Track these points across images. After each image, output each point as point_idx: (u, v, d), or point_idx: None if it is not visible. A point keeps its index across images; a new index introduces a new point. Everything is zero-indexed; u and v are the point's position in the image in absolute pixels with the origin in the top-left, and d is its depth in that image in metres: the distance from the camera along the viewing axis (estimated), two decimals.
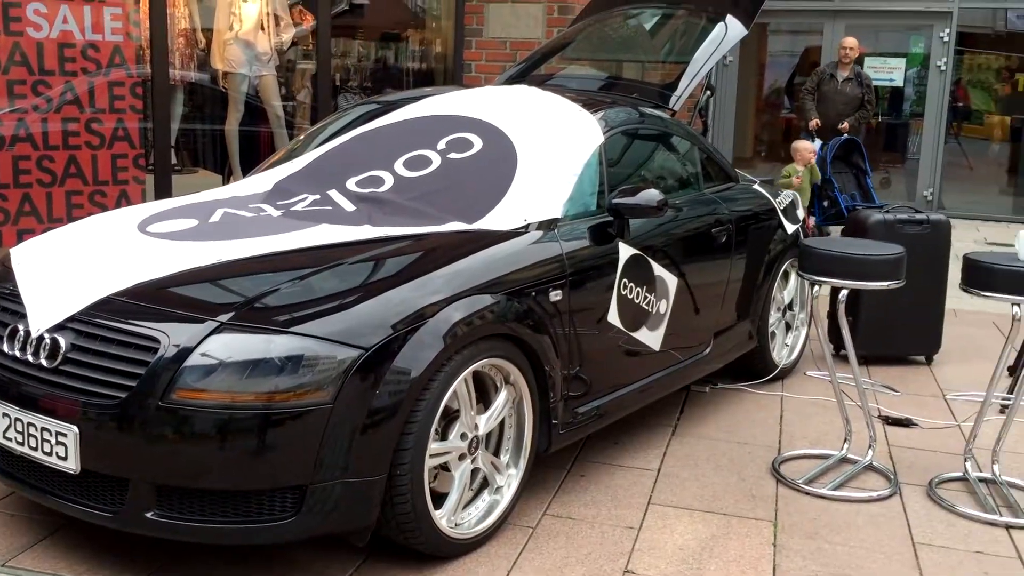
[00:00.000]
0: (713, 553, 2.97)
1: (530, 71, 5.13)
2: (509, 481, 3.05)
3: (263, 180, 3.67)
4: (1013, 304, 3.28)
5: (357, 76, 8.49)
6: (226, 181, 6.31)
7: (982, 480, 3.51)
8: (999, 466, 3.52)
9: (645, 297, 3.57)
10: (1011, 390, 4.29)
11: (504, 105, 3.86)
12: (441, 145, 3.58)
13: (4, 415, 2.67)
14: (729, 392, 4.49)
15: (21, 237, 4.47)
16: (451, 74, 7.53)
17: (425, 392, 2.66)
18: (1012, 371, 4.55)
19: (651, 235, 3.66)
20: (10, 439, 2.67)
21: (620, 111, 4.00)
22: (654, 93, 4.55)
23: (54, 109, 4.74)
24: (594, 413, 3.40)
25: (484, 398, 2.97)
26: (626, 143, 3.98)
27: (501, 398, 2.99)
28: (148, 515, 2.52)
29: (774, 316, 4.63)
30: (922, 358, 5.11)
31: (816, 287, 3.56)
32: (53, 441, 2.58)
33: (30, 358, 2.66)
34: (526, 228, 3.25)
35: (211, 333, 2.53)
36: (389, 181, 3.44)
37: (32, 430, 2.61)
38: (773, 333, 4.64)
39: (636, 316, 3.54)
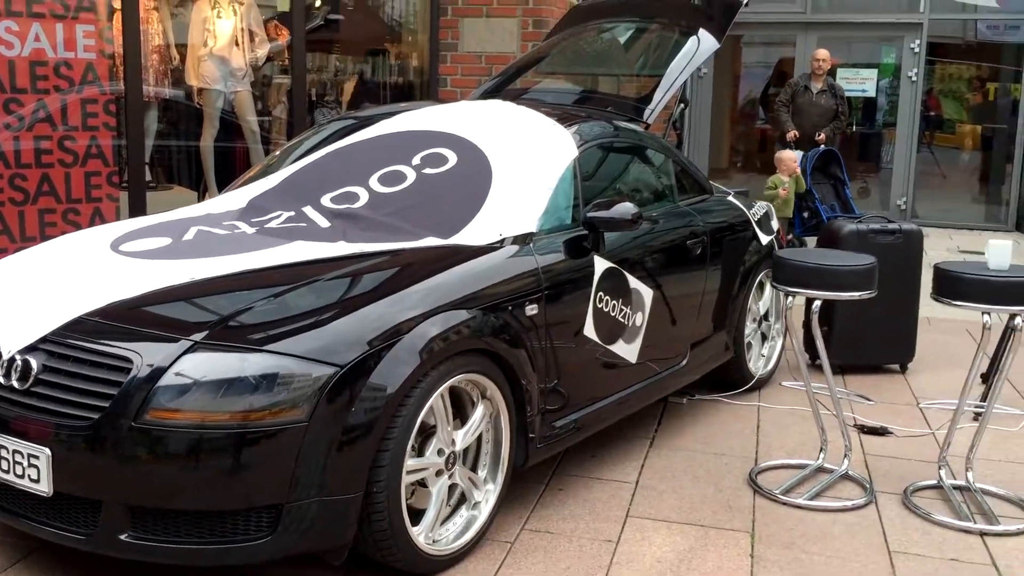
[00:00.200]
0: (691, 565, 2.98)
1: (505, 85, 5.15)
2: (487, 496, 3.05)
3: (237, 197, 3.66)
4: (983, 313, 3.31)
5: (334, 91, 8.49)
6: (202, 197, 6.28)
7: (956, 488, 3.54)
8: (973, 473, 3.55)
9: (621, 310, 3.59)
10: (984, 397, 4.34)
11: (478, 120, 3.87)
12: (416, 160, 3.58)
13: None
14: (706, 403, 4.51)
15: None
16: (427, 88, 7.55)
17: (401, 408, 2.66)
18: (985, 378, 4.60)
19: (626, 248, 3.68)
20: None
21: (594, 125, 4.02)
22: (628, 107, 4.58)
23: (26, 127, 4.70)
24: (572, 426, 3.41)
25: (461, 413, 2.97)
26: (601, 157, 4.00)
27: (478, 413, 2.99)
28: (122, 537, 2.50)
29: (750, 327, 4.66)
30: (897, 367, 5.15)
31: (790, 298, 3.59)
32: (25, 463, 2.55)
33: (1, 380, 2.64)
34: (501, 243, 3.26)
35: (185, 352, 2.51)
36: (364, 197, 3.44)
37: (3, 452, 2.58)
38: (749, 344, 4.67)
39: (612, 329, 3.55)
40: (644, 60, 5.54)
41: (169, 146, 6.73)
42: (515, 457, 3.13)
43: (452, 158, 3.58)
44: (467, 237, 3.24)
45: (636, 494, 3.49)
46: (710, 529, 3.22)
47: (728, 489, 3.55)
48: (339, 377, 2.54)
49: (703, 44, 4.77)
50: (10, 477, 2.59)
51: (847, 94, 9.01)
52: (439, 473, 2.86)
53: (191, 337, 2.55)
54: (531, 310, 3.14)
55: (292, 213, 3.40)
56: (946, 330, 5.90)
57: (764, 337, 4.86)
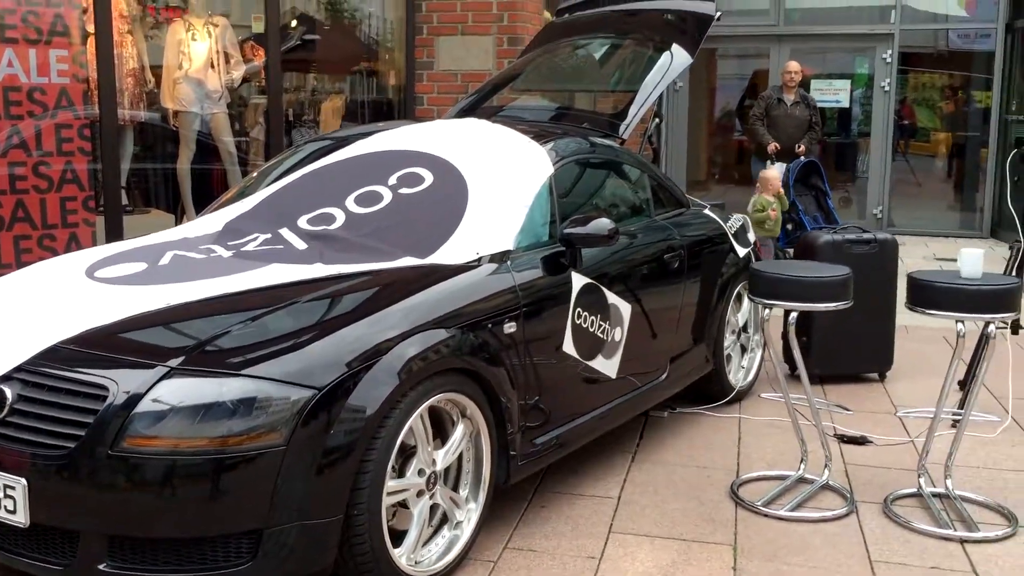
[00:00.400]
0: None
1: (481, 103, 5.17)
2: (469, 516, 3.05)
3: (214, 220, 3.65)
4: (957, 321, 3.35)
5: (311, 111, 8.49)
6: (179, 220, 6.26)
7: (936, 495, 3.56)
8: (952, 481, 3.57)
9: (600, 325, 3.60)
10: (961, 405, 4.37)
11: (454, 139, 3.88)
12: (392, 180, 3.59)
13: None
14: (687, 416, 4.52)
15: None
16: (404, 107, 7.56)
17: (380, 430, 2.65)
18: (963, 385, 4.65)
19: (604, 263, 3.70)
20: None
21: (570, 141, 4.04)
22: (604, 122, 4.61)
23: (0, 154, 4.68)
24: (553, 443, 3.41)
25: (441, 433, 2.97)
26: (577, 173, 4.02)
27: (458, 432, 2.98)
28: (100, 567, 2.48)
29: (729, 339, 4.68)
30: (876, 375, 5.19)
31: (767, 309, 3.61)
32: (1, 494, 2.52)
33: None
34: (479, 261, 3.26)
35: (161, 378, 2.50)
36: (341, 218, 3.44)
37: None
38: (729, 356, 4.69)
39: (591, 344, 3.56)
40: (619, 76, 5.57)
41: (146, 169, 6.71)
42: (497, 475, 3.13)
43: (428, 177, 3.58)
44: (444, 256, 3.25)
45: (618, 509, 3.49)
46: (692, 543, 3.23)
47: (710, 502, 3.56)
48: (317, 400, 2.54)
49: (676, 59, 4.81)
50: None
51: (821, 105, 9.09)
52: (420, 493, 2.85)
53: (167, 363, 2.54)
54: (509, 328, 3.15)
55: (269, 235, 3.39)
56: (924, 338, 5.95)
57: (743, 349, 4.88)
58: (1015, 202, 6.05)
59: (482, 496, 3.08)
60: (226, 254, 3.28)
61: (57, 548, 2.53)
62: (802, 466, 3.75)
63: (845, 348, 5.00)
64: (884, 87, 10.85)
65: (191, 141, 6.46)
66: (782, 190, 7.60)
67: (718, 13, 5.04)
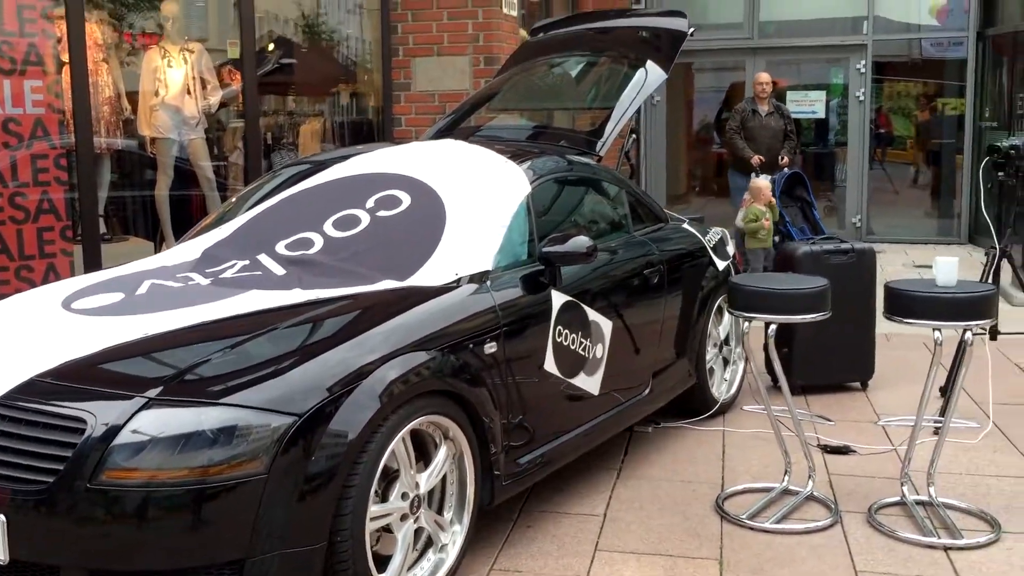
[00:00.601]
0: None
1: (459, 123, 5.18)
2: (454, 538, 3.04)
3: (192, 248, 3.64)
4: (934, 329, 3.37)
5: (290, 133, 8.49)
6: (158, 248, 6.23)
7: (919, 503, 3.58)
8: (934, 488, 3.59)
9: (581, 343, 3.60)
10: (943, 412, 4.39)
11: (431, 160, 3.90)
12: (370, 203, 3.59)
13: None
14: (672, 430, 4.53)
15: None
16: (382, 128, 7.58)
17: (363, 454, 2.64)
18: (944, 391, 4.67)
19: (583, 281, 3.71)
20: None
21: (547, 160, 4.06)
22: (581, 140, 4.63)
23: None
24: (537, 462, 3.41)
25: (424, 455, 2.96)
26: (554, 191, 4.03)
27: (441, 454, 2.98)
28: None
29: (711, 352, 4.70)
30: (858, 384, 5.21)
31: (746, 323, 3.63)
32: None
33: None
34: (458, 282, 3.27)
35: (140, 409, 2.49)
36: (319, 242, 3.43)
37: None
38: (711, 369, 4.71)
39: (573, 362, 3.56)
40: (595, 93, 5.61)
41: (124, 197, 6.68)
42: (481, 496, 3.12)
43: (406, 200, 3.59)
44: (423, 278, 3.25)
45: (604, 527, 3.49)
46: (678, 559, 3.23)
47: (695, 517, 3.56)
48: (298, 426, 2.53)
49: (651, 75, 4.85)
50: None
51: (798, 116, 9.15)
52: (404, 517, 2.84)
53: (146, 394, 2.52)
54: (490, 348, 3.15)
55: (247, 262, 3.39)
56: (905, 345, 5.98)
57: (726, 362, 4.90)
58: (989, 209, 6.11)
59: (467, 518, 3.07)
60: (204, 282, 3.27)
61: None
62: (786, 478, 3.76)
63: (826, 358, 5.02)
64: (859, 97, 10.96)
65: (169, 168, 6.45)
66: (773, 199, 7.64)
67: (691, 29, 5.09)
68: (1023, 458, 4.15)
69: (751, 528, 3.45)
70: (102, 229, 5.74)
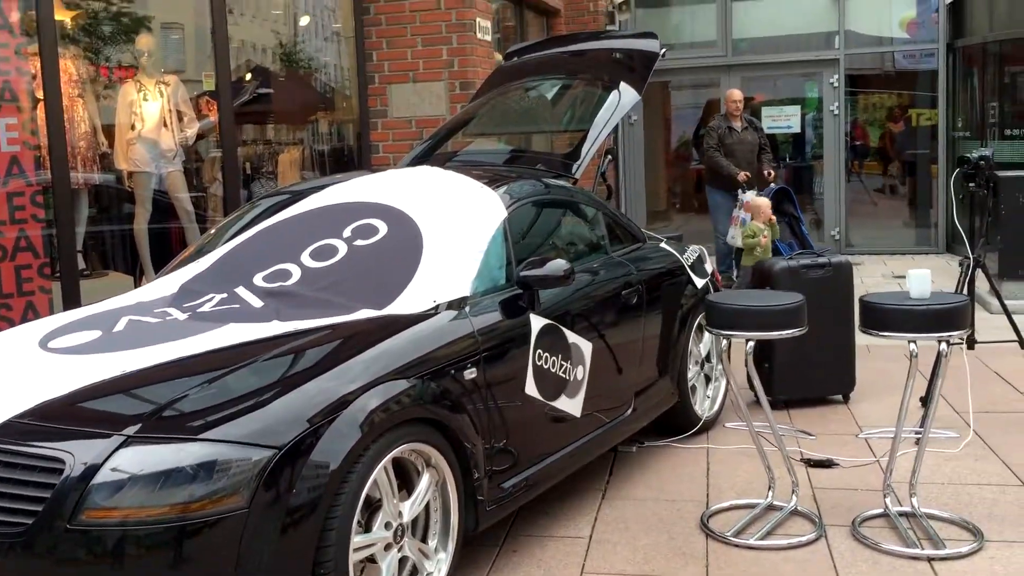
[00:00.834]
0: None
1: (435, 149, 5.21)
2: (439, 566, 3.03)
3: (169, 282, 3.64)
4: (909, 342, 3.40)
5: (270, 162, 8.50)
6: (138, 282, 6.21)
7: (902, 514, 3.60)
8: (917, 499, 3.61)
9: (561, 365, 3.62)
10: (923, 423, 4.42)
11: (407, 188, 3.91)
12: (347, 233, 3.60)
13: None
14: (656, 449, 4.54)
15: None
16: (360, 156, 7.60)
17: (344, 484, 2.64)
18: (924, 402, 4.70)
19: (562, 303, 3.72)
20: None
21: (523, 184, 4.09)
22: (557, 163, 4.66)
23: None
24: (521, 485, 3.41)
25: (407, 484, 2.96)
26: (531, 215, 4.06)
27: (423, 482, 2.98)
28: None
29: (693, 370, 4.72)
30: (840, 397, 5.24)
31: (724, 340, 3.65)
32: None
33: None
34: (436, 309, 3.28)
35: (119, 447, 2.48)
36: (296, 273, 3.44)
37: None
38: (694, 387, 4.72)
39: (554, 385, 3.57)
40: (570, 115, 5.65)
41: (102, 232, 6.66)
42: (465, 523, 3.12)
43: (383, 228, 3.60)
44: (401, 306, 3.26)
45: (590, 549, 3.49)
46: None
47: (681, 536, 3.57)
48: (278, 459, 2.52)
49: (624, 97, 4.90)
50: None
51: (774, 131, 9.22)
52: (388, 547, 2.83)
53: (124, 431, 2.51)
54: (470, 373, 3.16)
55: (224, 295, 3.39)
56: (886, 357, 6.02)
57: (708, 379, 4.92)
58: (962, 220, 6.18)
59: (451, 545, 3.06)
60: (182, 316, 3.27)
61: None
62: (770, 493, 3.77)
63: (807, 372, 5.05)
64: (833, 111, 11.07)
65: (147, 201, 6.44)
66: (774, 217, 7.66)
67: (663, 50, 5.15)
68: (1004, 466, 4.18)
69: (736, 545, 3.45)
70: (81, 265, 5.72)
